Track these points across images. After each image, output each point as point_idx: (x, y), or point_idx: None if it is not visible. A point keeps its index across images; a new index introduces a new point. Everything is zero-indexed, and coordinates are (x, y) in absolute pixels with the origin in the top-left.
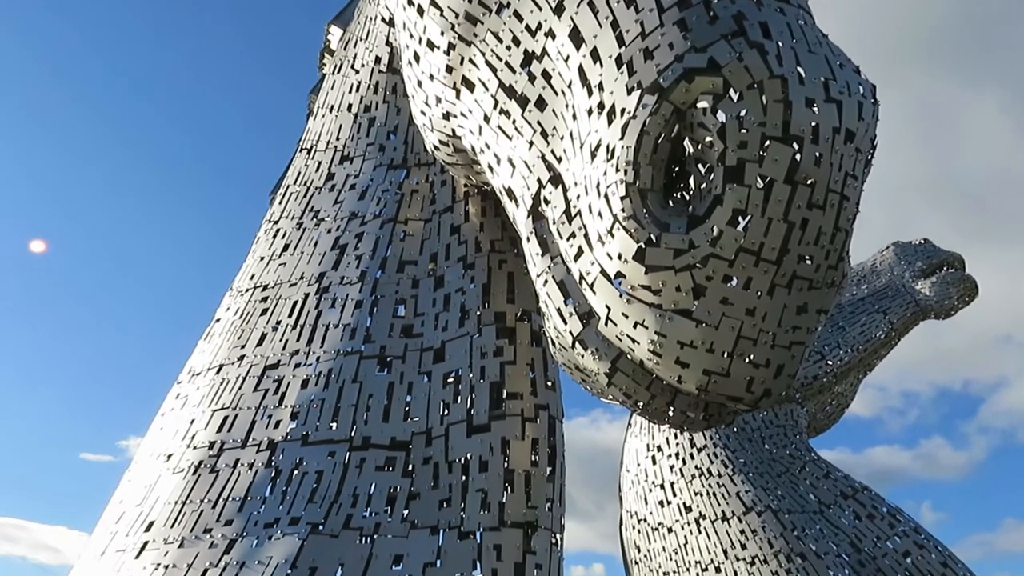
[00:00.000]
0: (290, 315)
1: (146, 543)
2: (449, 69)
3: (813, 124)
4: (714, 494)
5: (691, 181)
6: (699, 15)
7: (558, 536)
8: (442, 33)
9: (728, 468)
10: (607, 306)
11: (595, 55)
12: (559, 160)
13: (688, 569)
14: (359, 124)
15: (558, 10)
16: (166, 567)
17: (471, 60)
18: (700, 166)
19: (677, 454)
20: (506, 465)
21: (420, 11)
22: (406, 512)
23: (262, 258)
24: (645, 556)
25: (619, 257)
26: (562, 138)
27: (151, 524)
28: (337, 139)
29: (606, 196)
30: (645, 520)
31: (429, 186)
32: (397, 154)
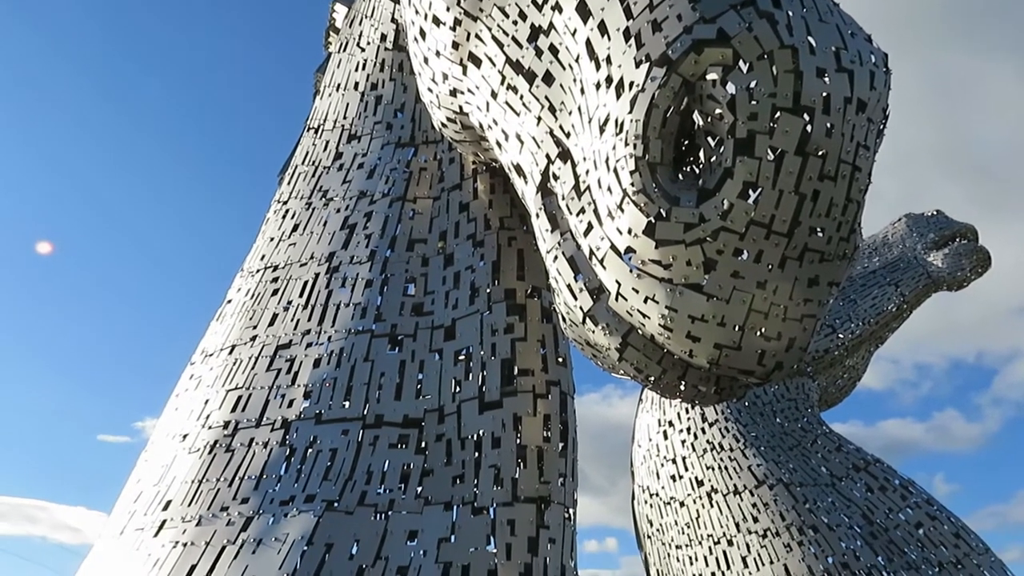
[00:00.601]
0: (301, 295)
1: (164, 521)
2: (455, 45)
3: (824, 94)
4: (726, 468)
5: (701, 154)
6: None
7: (571, 511)
8: (448, 9)
9: (740, 442)
10: (617, 281)
11: (603, 28)
12: (568, 135)
13: (700, 542)
14: (366, 102)
15: None
16: (184, 545)
17: (477, 35)
18: (710, 139)
19: (688, 429)
20: (518, 441)
21: None
22: (420, 489)
23: (272, 239)
24: (657, 530)
25: (629, 232)
26: (570, 113)
27: (168, 503)
28: (344, 118)
29: (615, 170)
30: (657, 495)
31: (437, 164)
32: (405, 132)
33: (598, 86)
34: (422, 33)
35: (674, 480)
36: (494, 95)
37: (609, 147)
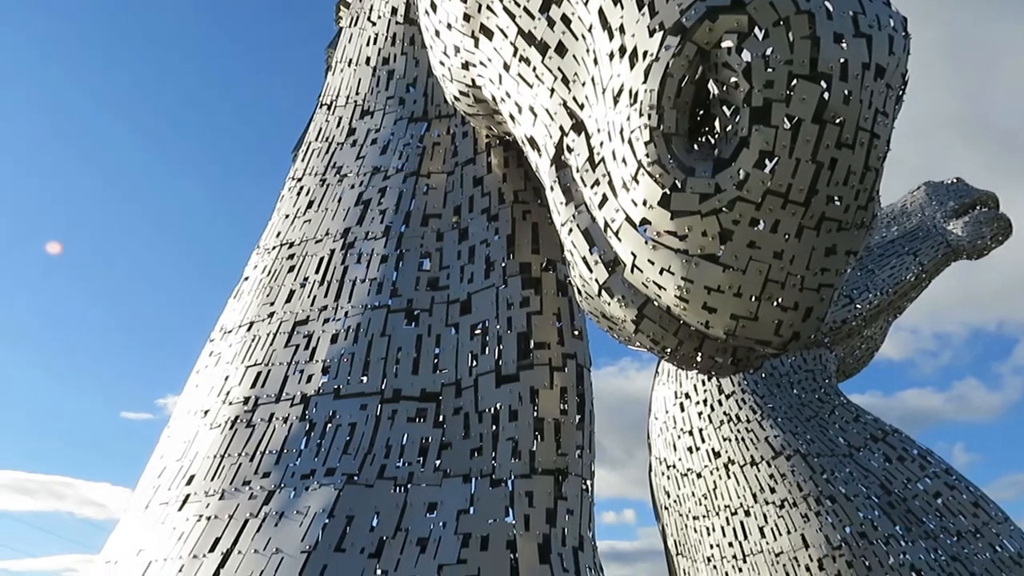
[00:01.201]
0: (317, 271)
1: (188, 496)
2: (467, 17)
3: (842, 60)
4: (743, 439)
5: (716, 124)
6: None
7: (588, 482)
8: None
9: (757, 413)
10: (633, 253)
11: None
12: (581, 107)
13: (717, 513)
14: (378, 77)
15: None
16: (208, 518)
17: (489, 7)
18: (725, 108)
19: (705, 401)
20: (535, 414)
21: None
22: (438, 462)
23: (287, 216)
24: (675, 501)
25: (644, 203)
26: (584, 84)
27: (192, 478)
28: (356, 93)
29: (630, 142)
30: (674, 466)
31: (451, 138)
32: (417, 107)
33: (611, 56)
34: (433, 5)
35: (691, 452)
36: (506, 67)
37: (623, 118)
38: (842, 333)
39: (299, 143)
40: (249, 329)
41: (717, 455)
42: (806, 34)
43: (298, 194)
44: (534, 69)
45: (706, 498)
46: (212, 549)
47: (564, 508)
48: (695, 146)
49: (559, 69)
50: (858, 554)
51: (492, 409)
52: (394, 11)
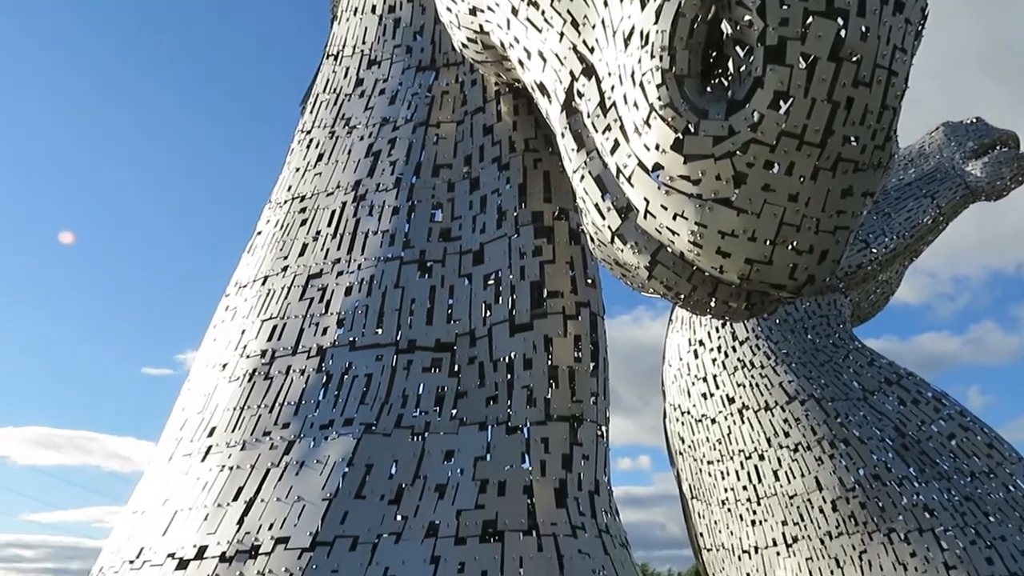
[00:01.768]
0: (329, 224)
1: (210, 447)
2: None
3: None
4: (757, 385)
5: (730, 64)
6: None
7: (603, 428)
8: None
9: (771, 359)
10: (645, 198)
11: None
12: (591, 51)
13: (732, 458)
14: (384, 26)
15: None
16: (231, 468)
17: None
18: (739, 48)
19: (719, 347)
20: (550, 362)
21: None
22: (455, 411)
23: (297, 169)
24: (689, 447)
25: (656, 148)
26: (594, 27)
27: (213, 429)
28: (363, 43)
29: (641, 85)
30: (689, 412)
31: (459, 87)
32: (425, 55)
33: None
34: None
35: (705, 398)
36: (515, 11)
37: (634, 60)
38: (857, 278)
39: (307, 95)
40: (264, 283)
41: (731, 401)
42: None
43: (308, 147)
44: (543, 12)
45: (720, 443)
46: (236, 498)
47: (580, 454)
48: (708, 88)
49: (568, 12)
50: (871, 495)
51: (507, 358)
52: None
